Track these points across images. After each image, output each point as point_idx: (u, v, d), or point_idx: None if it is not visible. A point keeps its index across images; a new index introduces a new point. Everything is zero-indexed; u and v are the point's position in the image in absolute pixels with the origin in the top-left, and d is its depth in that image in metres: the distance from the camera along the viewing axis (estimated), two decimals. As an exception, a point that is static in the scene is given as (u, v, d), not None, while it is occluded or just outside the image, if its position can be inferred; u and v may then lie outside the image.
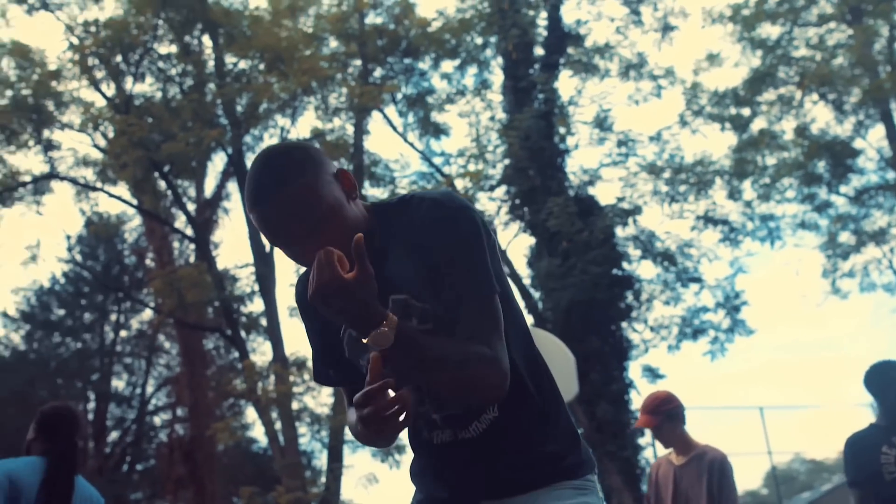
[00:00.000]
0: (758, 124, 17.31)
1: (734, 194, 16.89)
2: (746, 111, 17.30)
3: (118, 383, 24.11)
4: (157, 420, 24.64)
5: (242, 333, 16.32)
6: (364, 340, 1.49)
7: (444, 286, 1.64)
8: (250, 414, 19.53)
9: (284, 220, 1.57)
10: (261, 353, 17.67)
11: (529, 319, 12.63)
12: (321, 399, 15.28)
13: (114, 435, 23.78)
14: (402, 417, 1.47)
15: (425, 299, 1.66)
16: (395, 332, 1.48)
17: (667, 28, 17.10)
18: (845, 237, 17.22)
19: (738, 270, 16.35)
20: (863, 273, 17.23)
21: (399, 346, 1.48)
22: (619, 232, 15.53)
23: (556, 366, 2.22)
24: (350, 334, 1.74)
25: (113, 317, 23.26)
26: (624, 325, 15.15)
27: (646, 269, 16.26)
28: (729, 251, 16.47)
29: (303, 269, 1.79)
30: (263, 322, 16.28)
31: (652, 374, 14.72)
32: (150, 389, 24.11)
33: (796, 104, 17.11)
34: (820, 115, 28.97)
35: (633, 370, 18.01)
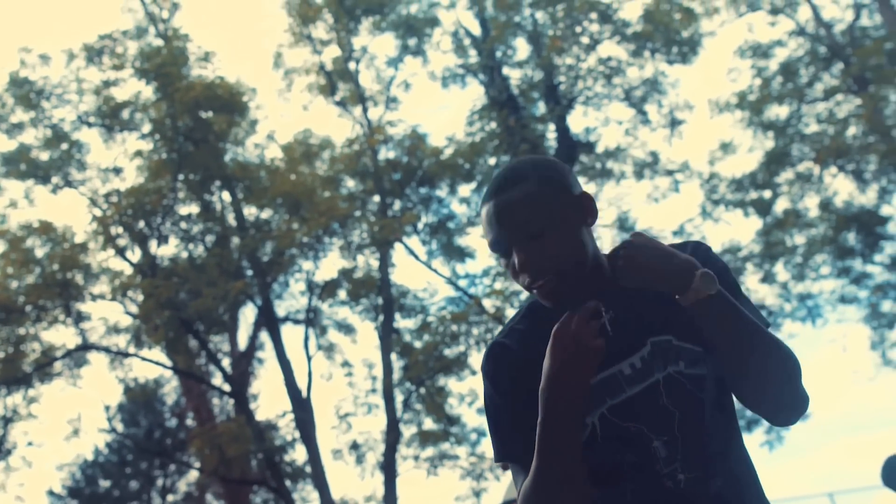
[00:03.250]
0: (781, 205, 17.19)
1: (767, 278, 16.63)
2: (767, 193, 17.21)
3: (170, 551, 23.58)
4: (214, 584, 23.93)
5: (287, 483, 15.98)
6: (692, 287, 1.47)
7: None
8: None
9: (506, 219, 1.57)
10: (309, 501, 17.29)
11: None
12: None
13: None
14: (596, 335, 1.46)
15: (689, 342, 1.59)
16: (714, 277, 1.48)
17: (675, 123, 17.22)
18: (888, 306, 16.77)
19: (784, 354, 15.93)
20: (912, 340, 16.71)
21: (720, 296, 1.48)
22: (658, 330, 15.27)
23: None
24: (599, 383, 1.59)
25: (159, 482, 22.95)
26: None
27: (691, 365, 15.91)
28: (771, 335, 16.09)
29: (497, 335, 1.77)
30: (308, 469, 15.96)
31: (713, 473, 14.19)
32: (203, 553, 23.53)
33: (816, 180, 17.01)
34: (841, 188, 28.77)
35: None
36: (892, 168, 15.89)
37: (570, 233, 1.58)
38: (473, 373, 15.96)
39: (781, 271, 16.81)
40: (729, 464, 1.58)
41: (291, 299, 17.43)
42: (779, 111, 17.63)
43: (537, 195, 1.57)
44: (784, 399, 1.55)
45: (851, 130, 16.82)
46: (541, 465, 1.52)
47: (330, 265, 28.68)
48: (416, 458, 15.94)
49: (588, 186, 16.91)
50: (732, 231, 24.46)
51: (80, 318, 16.02)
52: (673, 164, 16.99)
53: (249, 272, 16.33)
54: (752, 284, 16.36)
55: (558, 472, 1.52)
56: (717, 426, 1.59)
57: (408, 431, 16.05)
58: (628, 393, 1.58)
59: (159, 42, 17.05)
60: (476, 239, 19.35)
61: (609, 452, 1.59)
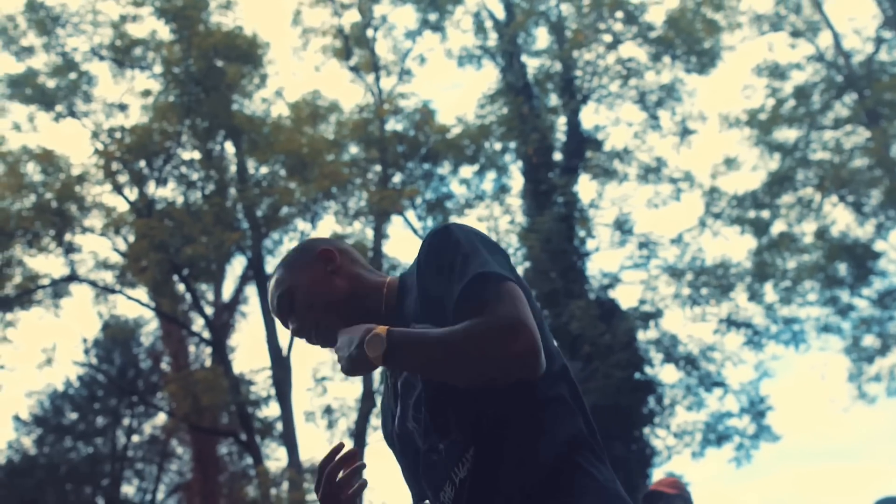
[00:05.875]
0: (777, 227, 17.27)
1: (756, 297, 16.72)
2: (766, 214, 17.28)
3: (128, 489, 23.63)
4: (168, 528, 24.01)
5: (257, 438, 16.03)
6: (368, 356, 1.53)
7: (445, 296, 1.61)
8: (264, 522, 19.04)
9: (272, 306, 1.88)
10: (275, 458, 17.36)
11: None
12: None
13: (122, 544, 23.17)
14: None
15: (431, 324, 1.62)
16: (385, 334, 1.52)
17: (685, 132, 17.25)
18: (870, 340, 16.89)
19: (762, 375, 16.06)
20: (889, 377, 16.85)
21: (393, 345, 1.52)
22: (641, 335, 15.35)
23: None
24: (428, 459, 1.67)
25: (126, 421, 22.97)
26: (647, 430, 14.83)
27: (668, 374, 16.04)
28: (753, 355, 16.22)
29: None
30: (279, 427, 16.02)
31: (677, 481, 14.32)
32: (160, 496, 23.62)
33: (816, 207, 17.09)
34: (840, 218, 28.79)
35: (657, 477, 17.53)
36: (892, 204, 15.98)
37: (313, 287, 1.79)
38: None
39: (770, 292, 16.92)
40: (485, 427, 1.59)
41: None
42: (788, 134, 17.70)
43: (279, 279, 1.84)
44: (483, 376, 1.54)
45: (857, 162, 16.91)
46: None
47: (325, 228, 28.57)
48: (387, 430, 16.01)
49: (592, 184, 16.95)
50: (727, 246, 24.54)
51: (70, 248, 15.95)
52: (677, 173, 17.03)
53: (244, 225, 16.29)
54: (740, 302, 16.47)
55: None
56: (450, 398, 1.60)
57: (382, 403, 16.10)
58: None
59: (182, -17, 16.87)
60: (472, 221, 19.34)
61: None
